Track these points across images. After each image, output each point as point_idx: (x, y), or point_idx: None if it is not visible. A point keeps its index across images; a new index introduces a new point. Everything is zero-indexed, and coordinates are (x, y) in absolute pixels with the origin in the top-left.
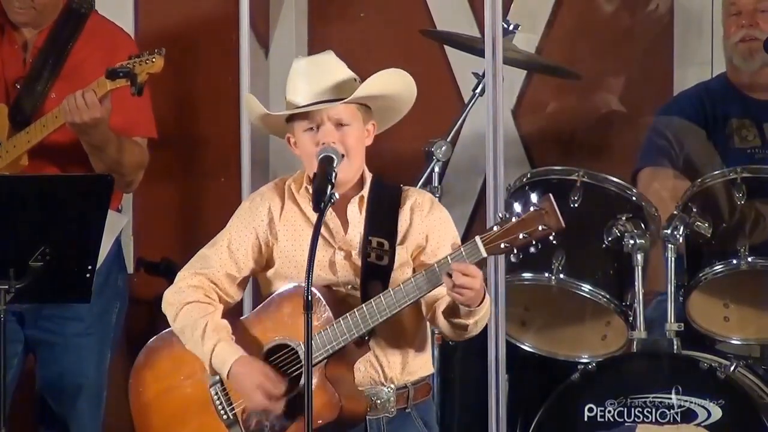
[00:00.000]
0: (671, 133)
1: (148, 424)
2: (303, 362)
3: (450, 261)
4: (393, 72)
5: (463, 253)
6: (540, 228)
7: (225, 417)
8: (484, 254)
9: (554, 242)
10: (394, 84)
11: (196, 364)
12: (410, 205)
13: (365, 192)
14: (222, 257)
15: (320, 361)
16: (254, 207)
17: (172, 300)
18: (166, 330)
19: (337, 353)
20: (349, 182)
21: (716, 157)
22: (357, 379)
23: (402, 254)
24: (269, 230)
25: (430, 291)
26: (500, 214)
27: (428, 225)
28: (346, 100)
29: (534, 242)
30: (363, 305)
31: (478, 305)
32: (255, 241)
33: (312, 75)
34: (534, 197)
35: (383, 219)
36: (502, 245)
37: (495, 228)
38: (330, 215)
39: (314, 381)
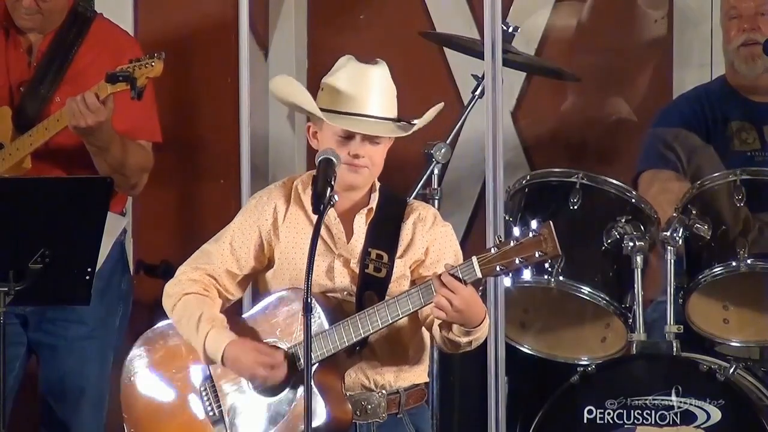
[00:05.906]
0: (676, 143)
1: (136, 416)
2: (302, 363)
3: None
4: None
5: (459, 271)
6: (537, 254)
7: (211, 414)
8: (479, 275)
9: (549, 268)
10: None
11: (188, 359)
12: (413, 220)
13: (373, 204)
14: (224, 254)
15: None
16: (260, 205)
17: (171, 292)
18: (164, 322)
19: (327, 360)
20: (363, 190)
21: (720, 165)
22: (347, 383)
23: (400, 267)
24: (272, 230)
25: (423, 307)
26: (498, 237)
27: (429, 239)
28: (405, 134)
29: (529, 267)
30: (356, 315)
31: (477, 326)
32: (258, 239)
33: (357, 84)
34: (534, 223)
35: (385, 232)
36: (498, 268)
37: (493, 250)
38: (334, 221)
39: (302, 387)
